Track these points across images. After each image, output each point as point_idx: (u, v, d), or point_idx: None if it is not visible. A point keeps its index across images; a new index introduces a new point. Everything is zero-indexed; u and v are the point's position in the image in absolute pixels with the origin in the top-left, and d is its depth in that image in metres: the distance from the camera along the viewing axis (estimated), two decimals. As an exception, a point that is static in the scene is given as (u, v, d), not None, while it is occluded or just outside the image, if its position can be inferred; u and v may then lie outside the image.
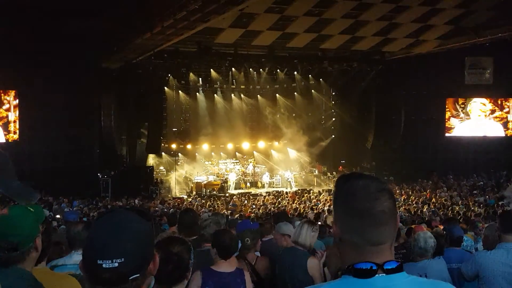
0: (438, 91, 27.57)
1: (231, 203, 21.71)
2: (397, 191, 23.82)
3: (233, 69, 27.21)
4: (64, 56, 21.40)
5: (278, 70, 28.08)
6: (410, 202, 19.70)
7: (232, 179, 27.24)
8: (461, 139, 27.81)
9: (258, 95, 29.66)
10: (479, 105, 27.84)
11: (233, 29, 20.97)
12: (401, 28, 21.98)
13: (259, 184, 27.88)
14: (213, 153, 29.26)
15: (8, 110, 22.46)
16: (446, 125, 28.09)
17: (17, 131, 22.65)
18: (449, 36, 23.19)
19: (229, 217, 12.32)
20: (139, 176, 25.37)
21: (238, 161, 29.29)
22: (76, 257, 3.56)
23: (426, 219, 13.18)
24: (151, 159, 27.81)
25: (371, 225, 1.43)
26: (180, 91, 27.99)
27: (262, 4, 18.06)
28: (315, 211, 16.89)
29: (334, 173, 28.43)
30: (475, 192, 21.55)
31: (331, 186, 24.51)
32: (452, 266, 4.76)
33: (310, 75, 29.11)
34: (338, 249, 1.53)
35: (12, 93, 22.52)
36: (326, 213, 15.17)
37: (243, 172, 28.46)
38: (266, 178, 27.92)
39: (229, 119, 28.69)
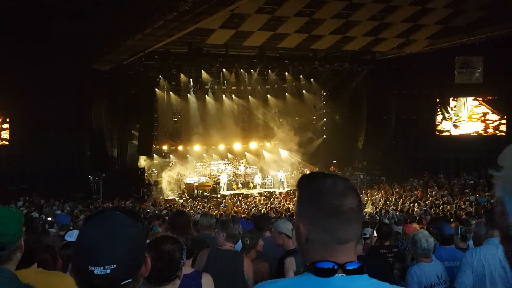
0: (428, 91, 27.74)
1: (222, 204, 21.68)
2: (389, 191, 23.92)
3: (224, 70, 27.18)
4: (55, 58, 21.26)
5: (269, 70, 28.10)
6: (401, 202, 19.77)
7: (223, 180, 27.19)
8: (452, 139, 27.97)
9: (249, 96, 29.63)
10: (470, 107, 27.94)
11: (224, 29, 20.96)
12: (392, 28, 22.08)
13: (251, 185, 27.86)
14: (204, 154, 29.18)
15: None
16: (438, 128, 28.20)
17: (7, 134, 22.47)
18: (439, 36, 23.32)
19: (221, 217, 12.29)
20: (130, 177, 25.25)
21: (229, 162, 29.24)
22: None
23: (417, 218, 13.22)
24: (143, 161, 27.69)
25: (341, 223, 1.43)
26: (171, 92, 27.90)
27: (253, 4, 18.07)
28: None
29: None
30: (466, 191, 21.67)
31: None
32: (444, 264, 4.78)
33: (301, 76, 29.15)
34: (302, 249, 1.51)
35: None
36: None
37: (235, 173, 28.43)
38: (258, 179, 27.91)
39: (220, 120, 28.62)
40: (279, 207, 19.96)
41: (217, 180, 26.79)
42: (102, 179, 24.03)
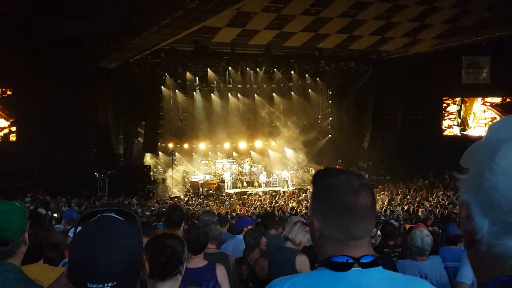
0: (435, 91, 27.61)
1: (227, 202, 21.73)
2: (394, 191, 23.87)
3: (230, 68, 27.21)
4: (61, 56, 21.36)
5: (275, 69, 28.09)
6: (406, 202, 19.73)
7: (228, 178, 27.22)
8: (457, 139, 27.84)
9: (255, 95, 29.65)
10: (478, 112, 27.79)
11: (230, 28, 20.94)
12: (398, 27, 22.00)
13: (256, 184, 27.88)
14: (210, 152, 29.23)
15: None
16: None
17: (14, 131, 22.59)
18: (446, 36, 23.21)
19: (228, 215, 12.31)
20: (136, 175, 25.35)
21: (234, 160, 29.27)
22: None
23: (422, 218, 13.20)
24: (148, 158, 27.78)
25: (355, 220, 1.44)
26: (177, 90, 27.94)
27: (259, 3, 18.05)
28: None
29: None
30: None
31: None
32: (448, 264, 4.77)
33: (307, 75, 29.12)
34: (316, 245, 1.53)
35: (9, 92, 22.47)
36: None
37: (240, 171, 28.46)
38: (263, 178, 27.93)
39: (225, 119, 28.66)
40: (284, 205, 19.98)
41: (222, 179, 26.84)
42: (107, 176, 24.13)
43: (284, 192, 25.18)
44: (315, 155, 29.98)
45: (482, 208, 0.92)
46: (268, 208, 18.54)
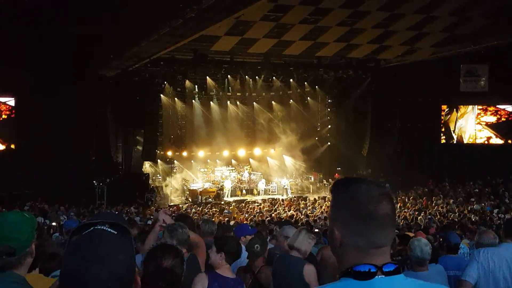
0: (433, 99, 27.71)
1: (226, 210, 21.68)
2: (393, 199, 23.82)
3: (229, 76, 27.26)
4: (61, 64, 21.39)
5: (274, 77, 28.14)
6: (406, 210, 19.70)
7: (227, 186, 27.17)
8: (457, 147, 27.90)
9: (254, 103, 29.68)
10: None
11: (229, 36, 21.04)
12: (397, 35, 22.10)
13: (255, 191, 27.83)
14: (208, 160, 29.19)
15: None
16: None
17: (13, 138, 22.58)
18: (444, 44, 23.32)
19: (225, 223, 12.27)
20: (134, 183, 25.29)
21: (233, 168, 29.23)
22: None
23: (422, 226, 13.17)
24: (147, 166, 27.76)
25: (376, 228, 1.46)
26: (176, 99, 27.96)
27: (258, 12, 18.15)
28: (310, 218, 16.87)
29: (330, 180, 28.38)
30: (472, 199, 21.57)
31: (327, 193, 24.48)
32: (449, 273, 4.76)
33: (305, 83, 29.18)
34: (337, 253, 1.53)
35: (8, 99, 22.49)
36: (323, 220, 15.15)
37: (239, 179, 28.40)
38: (261, 185, 27.89)
39: (224, 127, 28.66)
40: (283, 213, 19.94)
41: (221, 186, 26.79)
42: (106, 184, 24.06)
43: (283, 200, 25.14)
44: (314, 162, 29.97)
45: None
46: (267, 217, 18.47)
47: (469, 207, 19.31)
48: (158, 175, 28.15)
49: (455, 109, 28.24)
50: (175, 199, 26.77)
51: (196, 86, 27.88)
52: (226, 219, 17.39)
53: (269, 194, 27.60)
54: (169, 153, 28.19)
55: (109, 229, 1.47)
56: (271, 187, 28.29)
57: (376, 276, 1.43)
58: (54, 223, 14.11)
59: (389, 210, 1.49)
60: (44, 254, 4.05)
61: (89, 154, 24.92)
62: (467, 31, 21.75)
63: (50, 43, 20.86)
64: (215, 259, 4.02)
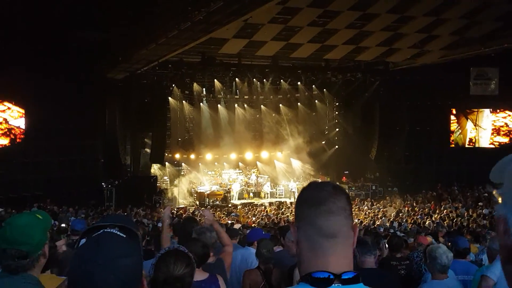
0: (442, 102, 27.52)
1: (233, 213, 21.66)
2: (401, 203, 23.70)
3: (236, 79, 27.29)
4: (70, 67, 21.54)
5: (281, 80, 28.13)
6: (414, 214, 19.57)
7: (235, 189, 27.18)
8: (466, 150, 27.69)
9: (262, 105, 29.70)
10: (490, 118, 27.67)
11: (237, 39, 21.03)
12: (406, 38, 21.98)
13: (262, 194, 27.80)
14: (216, 163, 29.24)
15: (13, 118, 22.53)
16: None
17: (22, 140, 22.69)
18: (454, 47, 23.14)
19: (232, 227, 12.24)
20: (142, 185, 25.39)
21: (241, 171, 29.25)
22: None
23: (431, 230, 13.06)
24: (156, 169, 27.84)
25: (322, 213, 1.46)
26: (184, 101, 28.06)
27: (266, 14, 18.12)
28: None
29: (338, 183, 28.26)
30: (480, 203, 21.38)
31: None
32: (458, 278, 4.70)
33: (313, 86, 29.12)
34: (296, 255, 1.54)
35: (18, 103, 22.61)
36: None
37: (246, 182, 28.40)
38: (267, 188, 27.85)
39: (232, 129, 28.72)
40: (289, 217, 19.87)
41: (228, 189, 26.80)
42: (114, 186, 24.18)
43: (291, 203, 25.07)
44: (322, 166, 29.89)
45: None
46: (274, 220, 18.43)
47: (478, 212, 19.14)
48: (166, 177, 28.21)
49: (465, 112, 28.03)
50: (183, 201, 26.79)
51: (204, 89, 27.95)
52: (230, 221, 17.33)
53: (276, 197, 27.56)
54: (177, 156, 28.26)
55: (118, 232, 1.48)
56: (278, 190, 28.25)
57: (333, 285, 1.41)
58: (63, 225, 14.14)
59: (336, 198, 1.49)
60: (55, 255, 4.06)
61: (98, 156, 25.03)
62: (477, 34, 21.58)
63: (59, 46, 21.00)
64: None
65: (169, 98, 27.08)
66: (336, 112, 31.38)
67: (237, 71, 26.30)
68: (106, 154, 25.39)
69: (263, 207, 23.88)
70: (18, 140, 22.44)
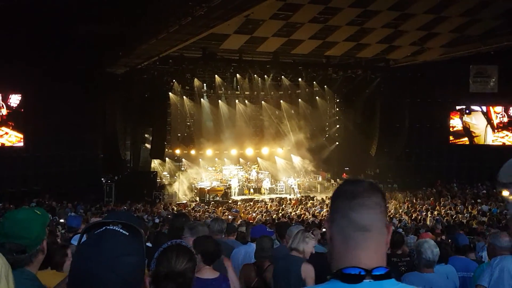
0: (442, 99, 27.54)
1: (233, 209, 21.66)
2: (401, 199, 23.75)
3: (237, 75, 27.28)
4: (70, 61, 21.50)
5: (282, 76, 28.12)
6: (414, 210, 19.61)
7: (235, 185, 27.19)
8: (465, 147, 27.74)
9: (263, 101, 29.68)
10: (489, 116, 27.69)
11: (238, 35, 21.03)
12: (406, 35, 21.99)
13: (263, 190, 27.81)
14: (216, 159, 29.25)
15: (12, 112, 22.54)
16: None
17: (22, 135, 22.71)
18: (454, 44, 23.17)
19: (233, 223, 12.26)
20: (142, 181, 25.36)
21: (241, 167, 29.26)
22: None
23: (430, 227, 13.11)
24: (156, 165, 27.83)
25: (355, 206, 1.46)
26: (184, 97, 28.04)
27: (268, 11, 18.12)
28: (318, 218, 16.83)
29: (338, 180, 28.33)
30: (479, 200, 21.43)
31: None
32: (458, 274, 4.73)
33: (314, 82, 29.12)
34: (328, 251, 1.54)
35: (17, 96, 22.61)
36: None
37: (247, 178, 28.42)
38: (266, 184, 27.87)
39: (233, 125, 28.71)
40: (291, 213, 19.91)
41: (228, 185, 26.80)
42: (114, 182, 24.16)
43: (290, 199, 25.11)
44: (322, 162, 29.92)
45: None
46: (274, 216, 18.45)
47: (476, 208, 19.17)
48: (166, 173, 28.21)
49: (465, 110, 28.06)
50: (183, 197, 26.81)
51: (204, 84, 27.94)
52: (231, 217, 17.33)
53: (277, 193, 27.58)
54: (177, 151, 28.26)
55: (121, 230, 1.46)
56: (279, 186, 28.27)
57: (364, 280, 1.40)
58: (62, 220, 14.18)
59: (370, 193, 1.48)
60: (57, 249, 4.07)
61: (97, 151, 25.04)
62: (477, 32, 21.60)
63: (59, 41, 20.96)
64: None
65: (170, 93, 27.06)
66: (337, 109, 31.39)
67: (238, 67, 26.29)
68: (106, 149, 25.39)
69: (263, 203, 23.89)
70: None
